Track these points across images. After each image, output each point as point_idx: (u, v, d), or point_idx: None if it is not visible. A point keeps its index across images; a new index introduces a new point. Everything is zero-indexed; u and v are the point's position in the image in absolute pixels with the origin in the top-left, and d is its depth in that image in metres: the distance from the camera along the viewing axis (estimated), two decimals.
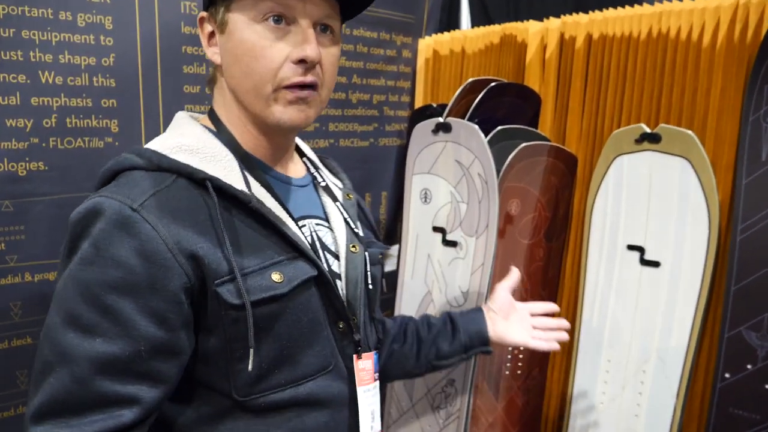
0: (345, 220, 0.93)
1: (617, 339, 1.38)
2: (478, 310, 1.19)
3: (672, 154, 1.29)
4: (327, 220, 0.92)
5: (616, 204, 1.38)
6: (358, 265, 0.89)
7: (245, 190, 0.77)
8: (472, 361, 1.36)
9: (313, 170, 0.98)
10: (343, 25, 1.66)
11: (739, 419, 1.22)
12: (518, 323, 1.19)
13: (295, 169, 0.92)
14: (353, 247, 0.90)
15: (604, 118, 1.46)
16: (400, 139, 1.87)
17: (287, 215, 0.82)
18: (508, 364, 1.48)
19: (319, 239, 0.88)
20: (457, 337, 1.14)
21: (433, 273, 1.45)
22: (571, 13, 1.54)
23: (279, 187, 0.85)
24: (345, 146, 1.72)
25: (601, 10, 1.48)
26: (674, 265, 1.30)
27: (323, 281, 0.82)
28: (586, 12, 1.51)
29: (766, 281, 1.20)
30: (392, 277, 1.92)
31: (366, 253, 0.92)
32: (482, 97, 1.45)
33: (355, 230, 0.94)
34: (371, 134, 1.79)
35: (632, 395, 1.35)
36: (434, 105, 1.75)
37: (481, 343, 1.15)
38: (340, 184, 1.04)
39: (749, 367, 1.21)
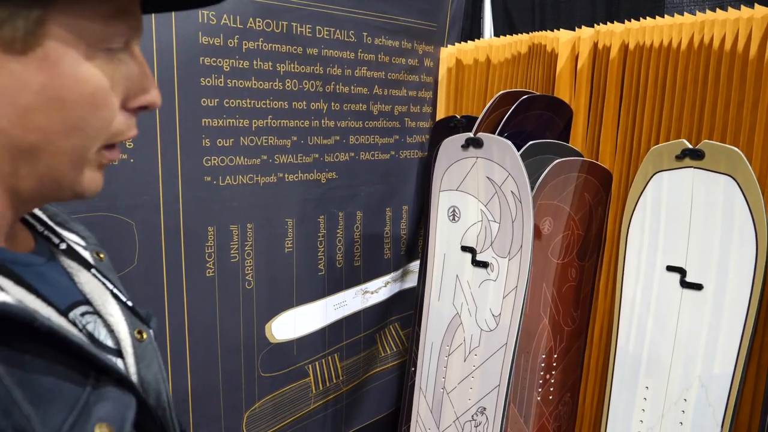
0: (113, 294, 0.61)
1: (656, 365, 1.31)
2: None
3: (716, 172, 1.23)
4: (88, 302, 0.59)
5: (655, 222, 1.32)
6: (152, 358, 0.61)
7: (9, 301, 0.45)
8: (504, 388, 1.29)
9: (40, 228, 0.61)
10: (365, 34, 1.61)
11: None
12: None
13: (23, 238, 0.57)
14: (138, 333, 0.60)
15: (641, 133, 1.40)
16: (422, 151, 1.81)
17: (56, 313, 0.52)
18: (540, 390, 1.42)
19: (90, 335, 0.56)
20: None
21: (462, 295, 1.38)
22: (601, 23, 1.48)
23: (26, 274, 0.52)
24: (366, 159, 1.66)
25: (633, 20, 1.41)
26: (718, 287, 1.24)
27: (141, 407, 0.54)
28: (621, 21, 1.44)
29: None
30: (410, 294, 1.86)
31: (151, 333, 0.63)
32: (513, 111, 1.39)
33: (130, 304, 0.62)
34: (392, 147, 1.73)
35: (672, 425, 1.28)
36: (458, 116, 1.69)
37: None
38: (80, 241, 0.66)
39: None
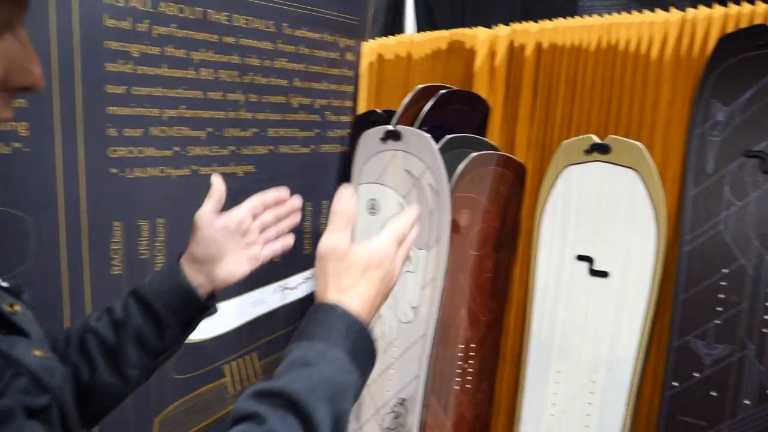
0: None
1: (567, 350, 1.37)
2: (177, 275, 0.89)
3: (621, 165, 1.29)
4: None
5: (566, 214, 1.37)
6: (32, 329, 0.61)
7: None
8: (424, 378, 1.31)
9: None
10: (285, 24, 1.59)
11: (687, 426, 1.23)
12: (237, 249, 0.93)
13: None
14: (10, 306, 0.60)
15: (554, 128, 1.45)
16: (343, 145, 1.81)
17: None
18: (458, 379, 1.44)
19: None
20: (164, 327, 0.86)
21: None
22: (519, 21, 1.52)
23: None
24: (285, 153, 1.64)
25: (550, 19, 1.46)
26: (623, 275, 1.31)
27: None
28: (535, 21, 1.49)
29: (710, 291, 1.22)
30: None
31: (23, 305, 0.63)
32: (432, 105, 1.41)
33: None
34: (313, 140, 1.71)
35: (582, 406, 1.34)
36: (378, 111, 1.69)
37: (199, 312, 0.91)
38: None
39: (696, 375, 1.22)
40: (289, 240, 1.01)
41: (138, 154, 1.33)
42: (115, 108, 1.28)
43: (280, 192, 1.00)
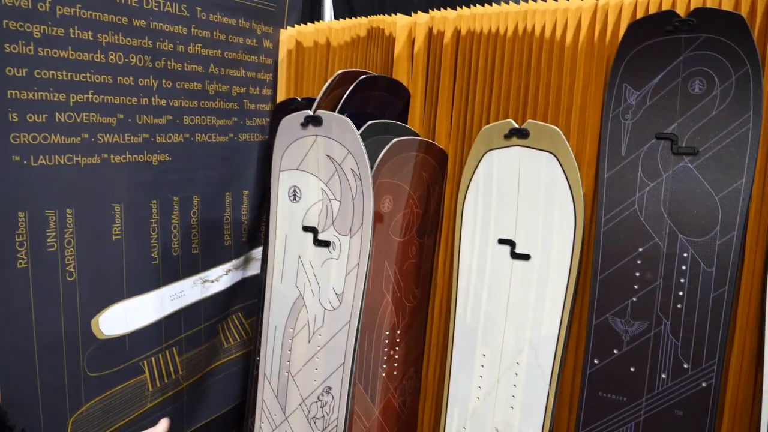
0: None
1: (491, 333, 1.38)
2: None
3: (539, 149, 1.32)
4: None
5: (487, 199, 1.39)
6: None
7: None
8: (349, 366, 1.29)
9: None
10: (199, 9, 1.53)
11: (608, 402, 1.26)
12: None
13: None
14: None
15: (473, 114, 1.46)
16: (262, 134, 1.76)
17: None
18: (384, 366, 1.43)
19: None
20: None
21: (305, 275, 1.36)
22: (438, 8, 1.53)
23: None
24: (202, 141, 1.58)
25: (468, 6, 1.48)
26: (543, 257, 1.33)
27: None
28: (453, 7, 1.50)
29: (627, 270, 1.26)
30: (254, 282, 1.81)
31: None
32: (352, 90, 1.39)
33: None
34: (231, 129, 1.66)
35: (507, 387, 1.36)
36: (299, 99, 1.66)
37: None
38: None
39: (616, 351, 1.26)
40: None
41: (43, 141, 1.25)
42: (16, 92, 1.20)
43: None
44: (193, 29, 1.51)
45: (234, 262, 1.73)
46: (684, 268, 1.21)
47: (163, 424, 0.87)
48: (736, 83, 1.18)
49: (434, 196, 1.49)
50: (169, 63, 1.47)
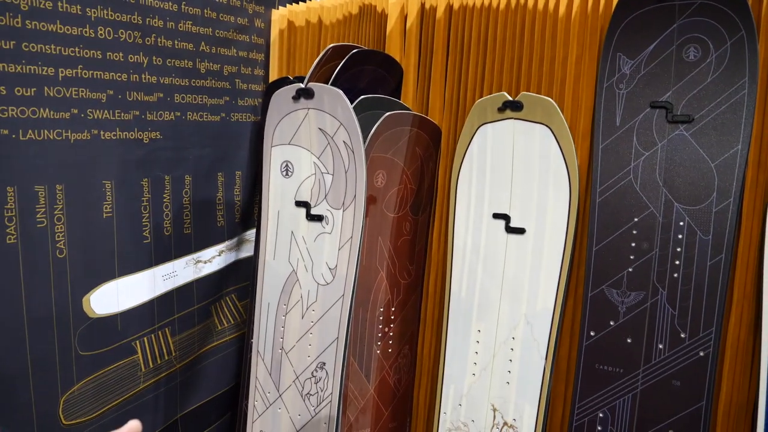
0: None
1: (486, 308, 1.37)
2: None
3: (533, 122, 1.30)
4: None
5: (481, 173, 1.37)
6: None
7: None
8: (343, 341, 1.28)
9: None
10: None
11: (604, 374, 1.25)
12: None
13: None
14: None
15: (467, 89, 1.45)
16: (255, 115, 1.75)
17: None
18: (379, 343, 1.42)
19: None
20: None
21: (298, 251, 1.35)
22: None
23: None
24: (193, 120, 1.57)
25: None
26: (538, 230, 1.32)
27: None
28: None
29: (622, 240, 1.25)
30: (247, 264, 1.79)
31: None
32: (345, 64, 1.38)
33: None
34: (223, 108, 1.65)
35: (503, 363, 1.34)
36: (291, 78, 1.65)
37: None
38: None
39: (612, 323, 1.24)
40: None
41: (31, 115, 1.23)
42: (3, 64, 1.18)
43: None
44: (183, 6, 1.50)
45: (227, 243, 1.71)
46: (680, 236, 1.19)
47: (131, 424, 0.81)
48: (731, 49, 1.17)
49: (428, 172, 1.48)
50: (159, 40, 1.46)
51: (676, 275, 1.19)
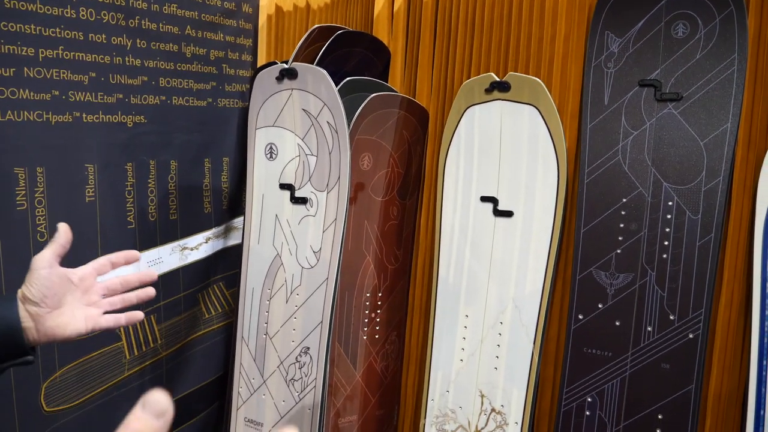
0: None
1: (474, 293, 1.35)
2: (9, 305, 0.80)
3: (521, 102, 1.28)
4: None
5: (469, 156, 1.35)
6: None
7: None
8: (327, 324, 1.26)
9: None
10: None
11: (593, 357, 1.23)
12: (75, 304, 0.84)
13: None
14: None
15: (454, 71, 1.43)
16: (243, 101, 1.73)
17: None
18: (366, 329, 1.40)
19: None
20: None
21: (282, 234, 1.33)
22: None
23: None
24: (179, 105, 1.55)
25: None
26: (526, 213, 1.30)
27: None
28: None
29: (610, 221, 1.23)
30: (236, 252, 1.77)
31: None
32: (330, 46, 1.36)
33: None
34: (209, 93, 1.63)
35: (491, 348, 1.32)
36: (279, 62, 1.63)
37: (15, 354, 0.79)
38: None
39: (600, 306, 1.22)
40: (136, 316, 0.91)
41: (11, 95, 1.21)
42: None
43: (130, 254, 0.94)
44: None
45: (214, 230, 1.69)
46: (669, 216, 1.17)
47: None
48: (720, 25, 1.15)
49: (416, 155, 1.45)
50: (143, 23, 1.44)
51: (665, 256, 1.17)
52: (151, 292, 0.93)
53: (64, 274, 0.85)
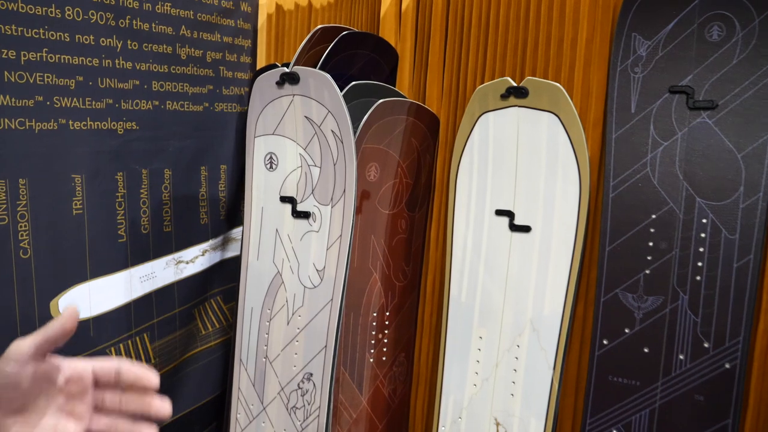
0: None
1: (488, 313, 1.26)
2: None
3: (540, 110, 1.19)
4: None
5: (483, 166, 1.26)
6: None
7: None
8: (332, 349, 1.17)
9: None
10: None
11: (619, 387, 1.14)
12: (48, 412, 0.61)
13: None
14: None
15: (467, 75, 1.34)
16: (241, 105, 1.64)
17: None
18: (372, 351, 1.31)
19: None
20: None
21: (283, 251, 1.24)
22: None
23: None
24: (173, 110, 1.45)
25: None
26: (545, 228, 1.20)
27: None
28: None
29: (638, 239, 1.14)
30: (234, 264, 1.68)
31: None
32: (335, 48, 1.27)
33: None
34: (206, 97, 1.53)
35: (507, 372, 1.23)
36: (279, 65, 1.54)
37: None
38: None
39: (627, 331, 1.13)
40: None
41: None
42: None
43: (146, 374, 0.64)
44: None
45: (211, 242, 1.60)
46: (703, 235, 1.08)
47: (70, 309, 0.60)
48: (759, 27, 1.06)
49: (425, 164, 1.36)
50: (134, 23, 1.35)
51: (698, 278, 1.08)
52: (165, 411, 0.64)
53: (45, 374, 0.61)
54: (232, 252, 1.68)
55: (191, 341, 1.59)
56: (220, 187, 1.61)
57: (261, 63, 1.67)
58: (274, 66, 1.54)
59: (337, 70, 1.30)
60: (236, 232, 1.68)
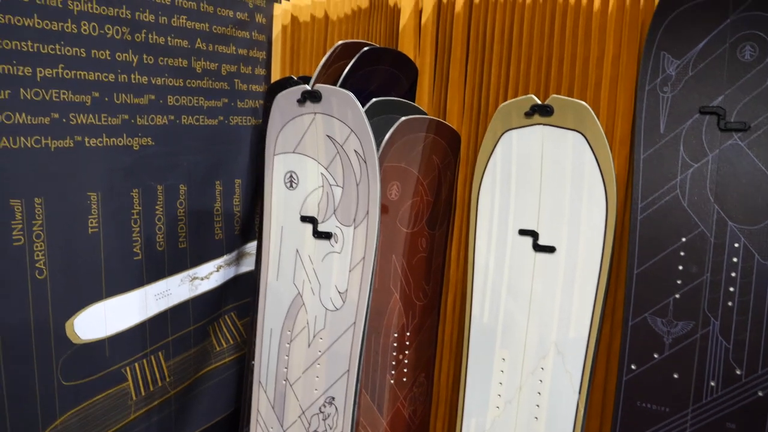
0: None
1: (511, 335, 1.24)
2: None
3: (565, 128, 1.17)
4: None
5: (506, 185, 1.24)
6: None
7: None
8: (355, 373, 1.15)
9: None
10: None
11: (647, 413, 1.12)
12: None
13: None
14: None
15: (489, 91, 1.32)
16: (255, 118, 1.62)
17: None
18: (393, 372, 1.29)
19: None
20: None
21: (304, 271, 1.21)
22: None
23: None
24: (188, 124, 1.44)
25: None
26: (570, 249, 1.18)
27: None
28: None
29: (668, 262, 1.12)
30: (248, 279, 1.66)
31: None
32: (355, 64, 1.25)
33: None
34: (221, 111, 1.52)
35: (531, 396, 1.21)
36: (295, 78, 1.51)
37: None
38: None
39: (656, 356, 1.11)
40: None
41: (5, 120, 1.10)
42: None
43: None
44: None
45: (226, 258, 1.58)
46: (735, 260, 1.06)
47: None
48: None
49: (446, 182, 1.34)
50: (150, 36, 1.33)
51: (730, 304, 1.06)
52: None
53: None
54: (246, 267, 1.66)
55: (205, 358, 1.57)
56: (235, 201, 1.59)
57: (276, 75, 1.65)
58: (289, 79, 1.52)
59: (357, 86, 1.28)
60: (250, 246, 1.66)
